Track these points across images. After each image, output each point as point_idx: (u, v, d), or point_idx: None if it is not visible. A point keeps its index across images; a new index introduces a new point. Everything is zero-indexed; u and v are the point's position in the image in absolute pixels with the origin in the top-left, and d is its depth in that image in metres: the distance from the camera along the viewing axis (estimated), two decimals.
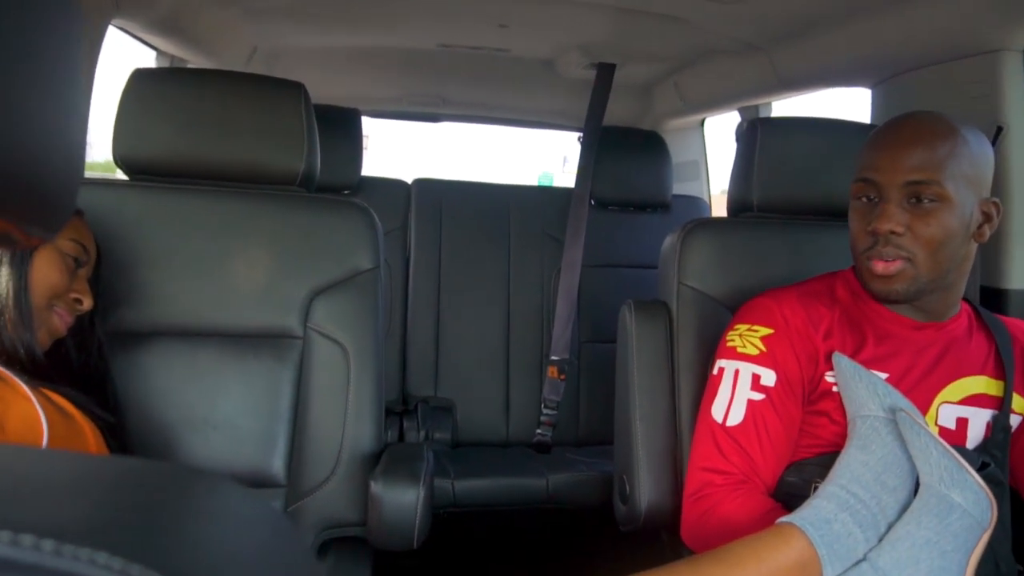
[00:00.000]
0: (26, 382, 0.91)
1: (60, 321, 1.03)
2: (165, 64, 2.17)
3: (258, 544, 0.32)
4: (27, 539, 0.23)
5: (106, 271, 1.22)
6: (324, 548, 1.28)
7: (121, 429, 1.11)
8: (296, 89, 1.34)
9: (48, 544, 0.23)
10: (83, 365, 1.12)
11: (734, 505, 1.08)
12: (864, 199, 1.11)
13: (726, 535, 1.02)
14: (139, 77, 1.31)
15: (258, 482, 1.27)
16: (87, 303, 1.06)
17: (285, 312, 1.31)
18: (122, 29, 1.88)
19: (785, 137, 1.44)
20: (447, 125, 3.21)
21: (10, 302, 0.94)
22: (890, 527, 0.91)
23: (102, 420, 1.01)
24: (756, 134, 1.43)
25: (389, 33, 2.39)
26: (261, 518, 0.34)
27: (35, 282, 0.98)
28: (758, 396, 1.13)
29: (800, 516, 0.92)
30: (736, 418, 1.13)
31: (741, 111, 2.56)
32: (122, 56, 2.17)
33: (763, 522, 1.01)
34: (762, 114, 2.46)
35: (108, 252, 1.26)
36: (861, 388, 1.03)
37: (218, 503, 0.33)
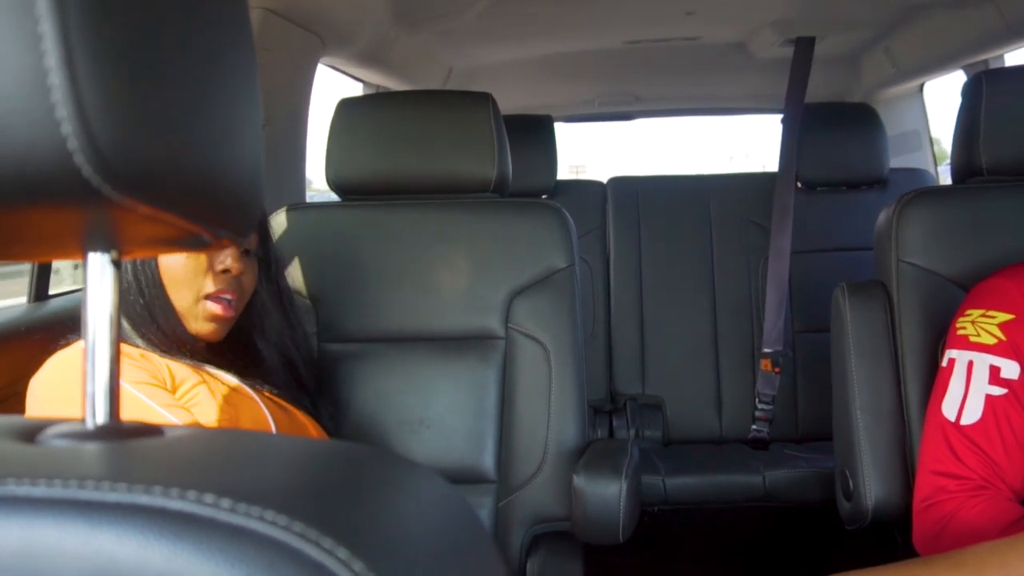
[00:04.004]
0: (250, 385, 1.00)
1: (218, 305, 0.98)
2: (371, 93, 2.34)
3: (436, 527, 0.34)
4: (209, 497, 0.26)
5: (326, 286, 1.33)
6: (536, 543, 1.31)
7: (331, 423, 1.15)
8: (484, 99, 1.40)
9: (225, 502, 0.26)
10: (289, 362, 1.11)
11: (973, 512, 0.96)
12: None
13: (966, 545, 0.91)
14: (344, 106, 1.43)
15: (471, 478, 1.32)
16: (235, 267, 0.99)
17: (487, 314, 1.36)
18: (331, 66, 2.06)
19: (1016, 88, 1.28)
20: (612, 130, 3.19)
21: (145, 299, 0.95)
22: None
23: (314, 415, 1.09)
24: (981, 88, 1.28)
25: (576, 37, 2.42)
26: (444, 504, 0.36)
27: (165, 277, 0.96)
28: (998, 391, 0.99)
29: None
30: (972, 416, 1.00)
31: (967, 70, 2.30)
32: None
33: (1011, 532, 0.90)
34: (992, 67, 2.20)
35: (327, 268, 1.38)
36: None
37: (403, 484, 0.35)
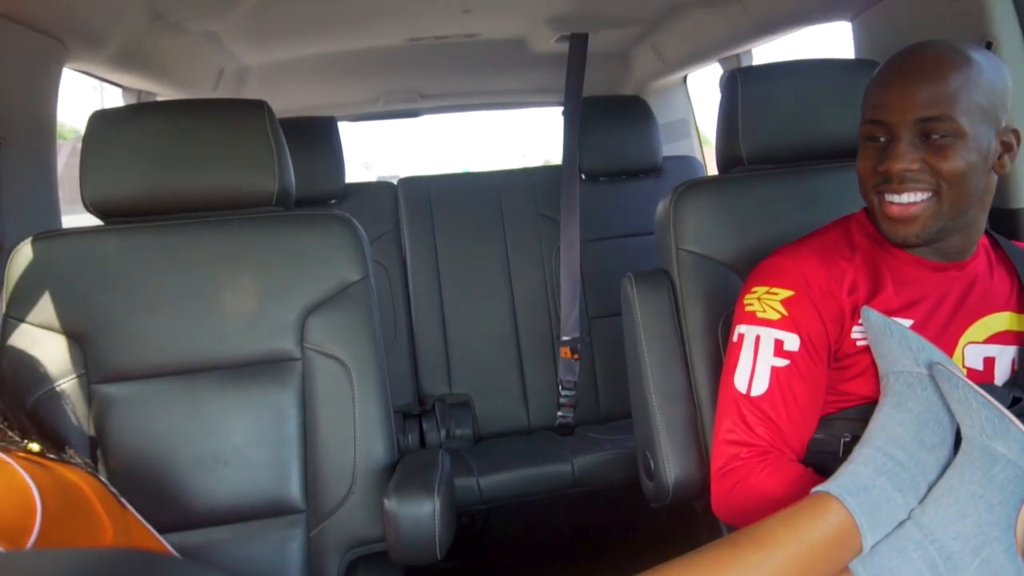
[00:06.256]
0: (1, 449, 0.87)
1: None
2: (133, 100, 2.14)
3: None
4: None
5: (92, 321, 1.20)
6: (353, 567, 1.26)
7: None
8: (259, 108, 1.31)
9: None
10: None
11: (762, 476, 1.04)
12: (873, 141, 1.05)
13: (758, 507, 0.98)
14: (98, 119, 1.28)
15: (278, 510, 1.24)
16: None
17: (280, 335, 1.28)
18: (82, 72, 1.85)
19: (766, 84, 1.39)
20: (409, 127, 3.18)
21: None
22: (931, 488, 0.87)
23: (78, 463, 0.98)
24: (736, 85, 1.38)
25: (355, 35, 2.35)
26: None
27: None
28: (782, 362, 1.07)
29: (836, 484, 0.88)
30: (760, 387, 1.07)
31: (723, 63, 2.50)
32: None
33: (795, 489, 0.98)
34: (743, 63, 2.40)
35: (91, 302, 1.24)
36: (893, 343, 0.97)
37: None
